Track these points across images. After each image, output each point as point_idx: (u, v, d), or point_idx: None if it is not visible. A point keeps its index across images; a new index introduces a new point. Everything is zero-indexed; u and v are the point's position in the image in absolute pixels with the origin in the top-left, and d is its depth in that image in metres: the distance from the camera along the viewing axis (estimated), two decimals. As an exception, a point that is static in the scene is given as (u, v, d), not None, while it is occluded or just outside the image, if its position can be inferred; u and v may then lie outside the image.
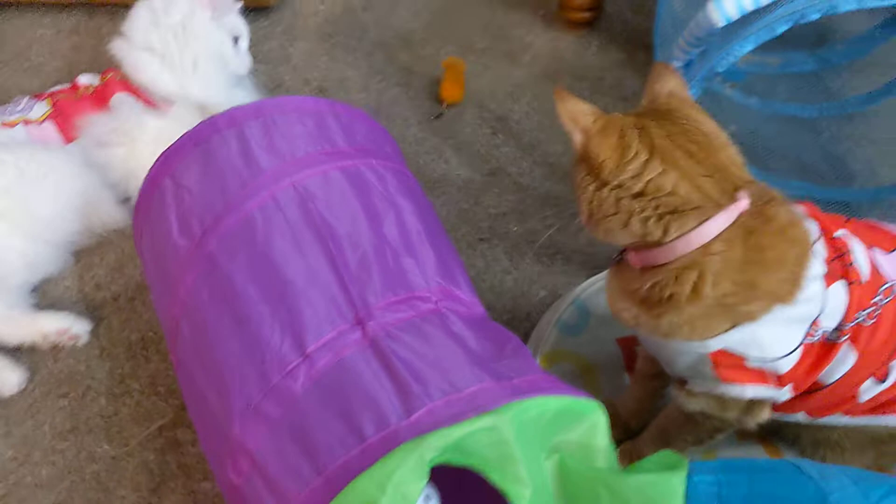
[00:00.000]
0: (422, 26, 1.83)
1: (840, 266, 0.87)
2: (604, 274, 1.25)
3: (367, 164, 1.00)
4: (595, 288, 1.25)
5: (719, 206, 0.82)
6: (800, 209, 0.89)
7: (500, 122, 1.62)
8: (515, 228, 1.43)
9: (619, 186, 0.83)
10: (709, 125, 0.86)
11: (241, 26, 1.50)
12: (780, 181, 1.47)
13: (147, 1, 1.44)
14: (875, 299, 0.88)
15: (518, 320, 1.29)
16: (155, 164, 1.03)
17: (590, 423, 0.81)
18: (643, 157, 0.82)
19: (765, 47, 1.71)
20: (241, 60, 1.50)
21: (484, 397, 0.77)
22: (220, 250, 0.92)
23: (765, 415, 0.94)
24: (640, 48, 1.75)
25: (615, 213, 0.84)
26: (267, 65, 1.72)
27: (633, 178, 0.82)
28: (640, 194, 0.83)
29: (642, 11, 1.82)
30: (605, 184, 0.84)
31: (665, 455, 0.81)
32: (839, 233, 0.90)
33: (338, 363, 0.82)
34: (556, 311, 1.24)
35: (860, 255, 0.89)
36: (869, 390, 0.92)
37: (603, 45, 1.76)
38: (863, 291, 0.87)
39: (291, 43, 1.79)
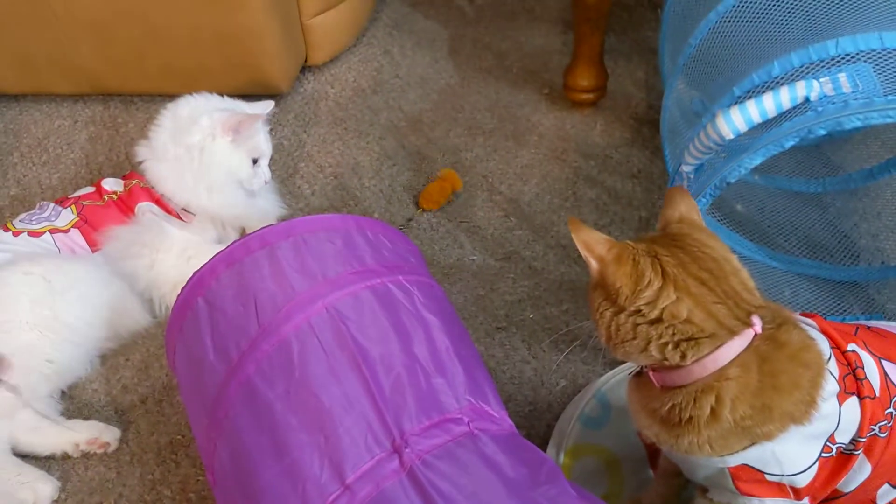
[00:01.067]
0: (431, 107, 1.88)
1: (853, 381, 0.90)
2: (625, 366, 1.28)
3: (394, 281, 1.03)
4: (616, 380, 1.28)
5: (732, 333, 0.85)
6: (811, 326, 0.93)
7: (512, 204, 1.65)
8: (532, 315, 1.45)
9: (636, 313, 0.86)
10: (719, 250, 0.90)
11: (263, 146, 1.51)
12: (791, 259, 1.51)
13: (173, 110, 1.47)
14: (888, 410, 0.91)
15: (539, 412, 1.32)
16: (188, 284, 1.07)
17: None
18: (657, 284, 0.85)
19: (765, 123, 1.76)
20: (259, 180, 1.51)
21: None
22: (259, 376, 0.95)
23: None
24: (644, 124, 1.80)
25: (633, 339, 0.87)
26: (281, 153, 1.76)
27: (648, 304, 0.85)
28: (656, 321, 0.85)
29: (645, 87, 1.87)
30: (622, 310, 0.86)
31: None
32: (850, 347, 0.93)
33: (378, 495, 0.84)
34: (577, 405, 1.26)
35: (871, 369, 0.92)
36: (886, 495, 0.94)
37: (608, 123, 1.81)
38: (875, 405, 0.90)
39: (304, 129, 1.84)
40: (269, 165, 1.58)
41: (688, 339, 0.85)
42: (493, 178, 1.71)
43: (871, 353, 0.93)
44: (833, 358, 0.90)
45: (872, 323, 1.01)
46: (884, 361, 0.93)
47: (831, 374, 0.88)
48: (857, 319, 1.37)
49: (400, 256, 1.10)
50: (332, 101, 1.90)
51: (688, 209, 0.93)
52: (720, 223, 1.53)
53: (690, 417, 0.87)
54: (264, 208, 1.57)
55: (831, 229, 1.58)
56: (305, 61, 1.94)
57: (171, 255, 1.43)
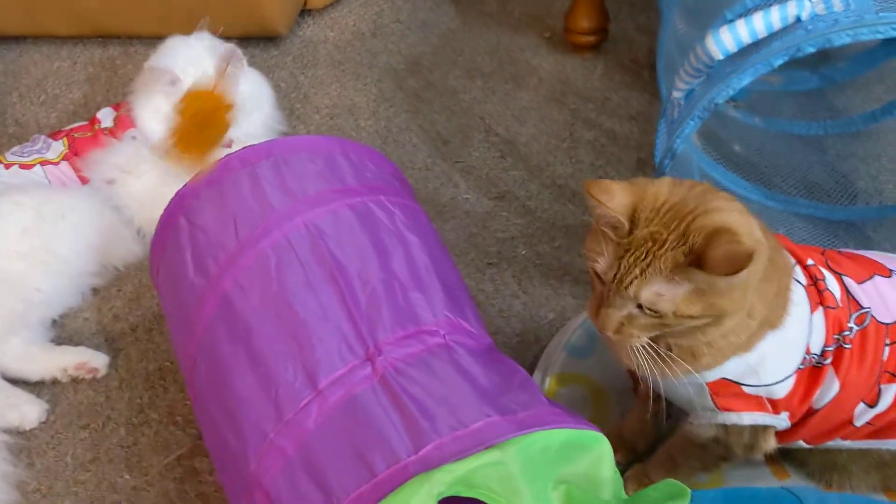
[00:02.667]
0: (430, 51, 1.86)
1: (816, 292, 0.89)
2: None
3: (375, 201, 1.03)
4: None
5: None
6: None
7: (508, 145, 1.64)
8: (524, 252, 1.45)
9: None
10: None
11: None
12: (788, 199, 1.49)
13: (162, 49, 1.46)
14: (849, 325, 0.90)
15: (527, 343, 1.31)
16: (170, 203, 1.07)
17: (595, 455, 0.83)
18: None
19: (768, 66, 1.73)
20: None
21: (490, 432, 0.79)
22: (235, 289, 0.95)
23: (769, 445, 0.96)
24: (645, 68, 1.77)
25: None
26: (278, 94, 1.75)
27: None
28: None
29: (647, 31, 1.84)
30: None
31: (669, 484, 0.83)
32: (809, 262, 0.93)
33: (349, 399, 0.84)
34: (564, 335, 1.26)
35: (832, 283, 0.92)
36: (863, 414, 0.94)
37: (609, 67, 1.78)
38: (839, 314, 0.90)
39: (302, 71, 1.83)
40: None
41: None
42: (490, 120, 1.70)
43: (831, 269, 0.93)
44: (797, 267, 0.90)
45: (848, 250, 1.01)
46: (845, 278, 0.93)
47: (798, 281, 0.88)
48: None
49: (384, 179, 1.10)
50: (330, 45, 1.89)
51: (622, 187, 0.85)
52: (717, 163, 1.52)
53: (708, 349, 0.86)
54: None
55: (830, 171, 1.55)
56: (305, 4, 1.92)
57: (146, 180, 1.43)
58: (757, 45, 1.06)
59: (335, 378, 0.86)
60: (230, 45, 1.50)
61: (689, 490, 0.82)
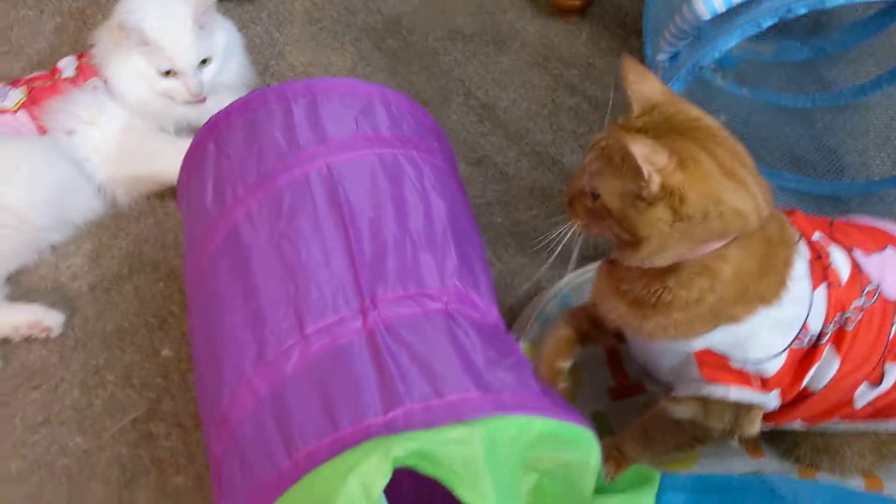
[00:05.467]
0: (410, 11, 1.80)
1: (820, 268, 0.85)
2: (586, 268, 1.24)
3: (406, 155, 0.99)
4: (579, 282, 1.23)
5: None
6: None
7: (487, 109, 1.59)
8: (500, 220, 1.40)
9: (702, 216, 0.78)
10: (723, 129, 0.84)
11: (173, 58, 1.36)
12: (773, 172, 1.45)
13: (142, 6, 1.38)
14: (858, 302, 0.86)
15: (500, 312, 1.27)
16: (203, 127, 1.05)
17: (581, 454, 0.79)
18: (731, 186, 0.78)
19: (758, 36, 1.69)
20: (178, 94, 1.39)
21: (464, 407, 0.76)
22: (245, 222, 0.93)
23: (753, 429, 0.92)
24: (632, 34, 1.72)
25: (681, 242, 0.80)
26: (252, 50, 1.68)
27: (717, 206, 0.78)
28: (716, 217, 0.78)
29: (634, -3, 1.79)
30: (681, 218, 0.78)
31: (638, 471, 0.80)
32: (816, 236, 0.89)
33: (332, 350, 0.81)
34: (537, 305, 1.22)
35: (839, 258, 0.87)
36: (864, 395, 0.90)
37: (595, 32, 1.73)
38: (841, 294, 0.86)
39: (277, 28, 1.76)
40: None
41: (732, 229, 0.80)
42: (469, 84, 1.64)
43: (839, 243, 0.89)
44: (802, 242, 0.86)
45: (852, 217, 0.97)
46: (855, 251, 0.89)
47: (803, 255, 0.84)
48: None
49: (420, 136, 1.06)
50: (307, 2, 1.82)
51: (661, 86, 0.85)
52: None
53: (671, 300, 0.83)
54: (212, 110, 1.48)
55: (817, 144, 1.52)
56: (283, -41, 1.85)
57: (107, 131, 1.37)
58: (746, 5, 1.02)
59: (323, 326, 0.83)
60: None
61: (658, 475, 0.78)
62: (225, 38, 1.45)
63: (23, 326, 1.22)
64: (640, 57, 1.65)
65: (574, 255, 0.88)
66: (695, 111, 0.84)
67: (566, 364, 1.04)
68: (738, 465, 1.03)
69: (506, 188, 1.45)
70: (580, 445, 0.79)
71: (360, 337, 0.82)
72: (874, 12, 1.59)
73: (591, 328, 1.04)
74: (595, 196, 0.82)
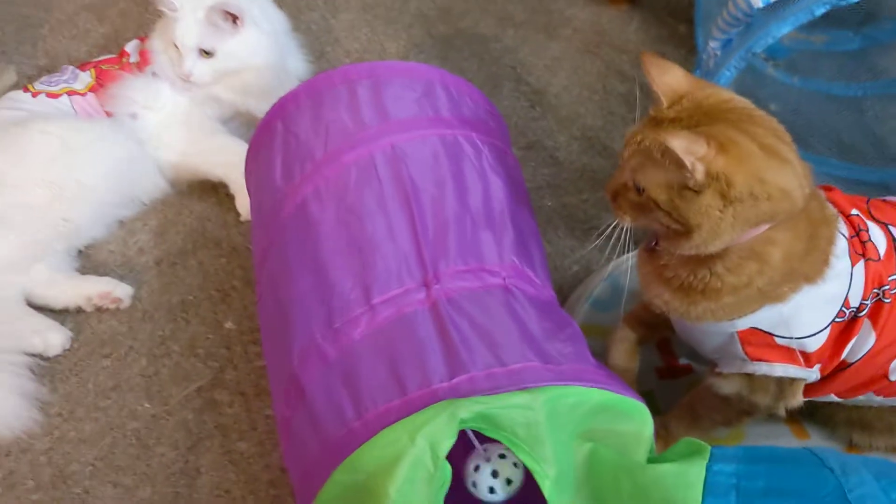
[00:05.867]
0: (462, -2, 1.83)
1: (858, 243, 0.87)
2: (635, 251, 1.26)
3: (465, 136, 1.03)
4: (629, 264, 1.25)
5: None
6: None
7: (538, 95, 1.62)
8: (550, 203, 1.43)
9: (751, 198, 0.78)
10: (759, 110, 0.85)
11: (178, 35, 1.38)
12: (820, 159, 1.46)
13: None
14: (894, 276, 0.88)
15: (551, 293, 1.30)
16: (272, 108, 1.09)
17: (635, 426, 0.82)
18: (775, 165, 0.79)
19: (810, 25, 1.68)
20: (179, 69, 1.40)
21: (526, 375, 0.79)
22: (314, 197, 0.98)
23: (796, 400, 0.94)
24: (682, 22, 1.74)
25: (734, 227, 0.80)
26: (308, 36, 1.73)
27: (764, 187, 0.78)
28: (766, 199, 0.79)
29: (686, -15, 1.80)
30: (731, 202, 0.78)
31: (689, 443, 0.82)
32: (854, 212, 0.90)
33: (398, 318, 0.86)
34: (588, 287, 1.25)
35: (876, 233, 0.89)
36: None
37: (645, 20, 1.75)
38: (879, 268, 0.88)
39: (333, 14, 1.80)
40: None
41: (781, 209, 0.80)
42: (520, 69, 1.67)
43: (876, 220, 0.90)
44: (839, 218, 0.88)
45: (889, 197, 0.98)
46: (892, 227, 0.90)
47: (841, 233, 0.86)
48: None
49: (479, 118, 1.09)
50: (363, -12, 1.86)
51: (681, 73, 0.85)
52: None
53: (720, 286, 0.85)
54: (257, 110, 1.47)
55: (867, 133, 1.52)
56: (339, -53, 1.89)
57: (164, 117, 1.43)
58: (798, -3, 1.03)
59: (389, 297, 0.87)
60: None
61: (708, 448, 0.81)
62: (243, 48, 1.41)
63: (95, 297, 1.28)
64: (690, 44, 1.66)
65: (626, 243, 0.89)
66: (725, 93, 0.84)
67: (634, 367, 1.08)
68: (785, 444, 1.06)
69: (556, 172, 1.48)
70: (635, 417, 0.82)
71: (423, 307, 0.86)
72: (929, 1, 1.58)
73: (647, 331, 1.07)
74: (640, 190, 0.82)
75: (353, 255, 0.91)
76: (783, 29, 1.00)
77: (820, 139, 1.51)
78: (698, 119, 0.80)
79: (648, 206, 0.82)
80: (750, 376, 0.92)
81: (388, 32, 1.76)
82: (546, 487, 0.75)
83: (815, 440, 1.08)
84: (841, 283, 0.86)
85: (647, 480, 0.75)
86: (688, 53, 1.66)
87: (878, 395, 0.95)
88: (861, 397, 0.97)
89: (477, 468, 0.82)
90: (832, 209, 0.89)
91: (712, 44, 1.14)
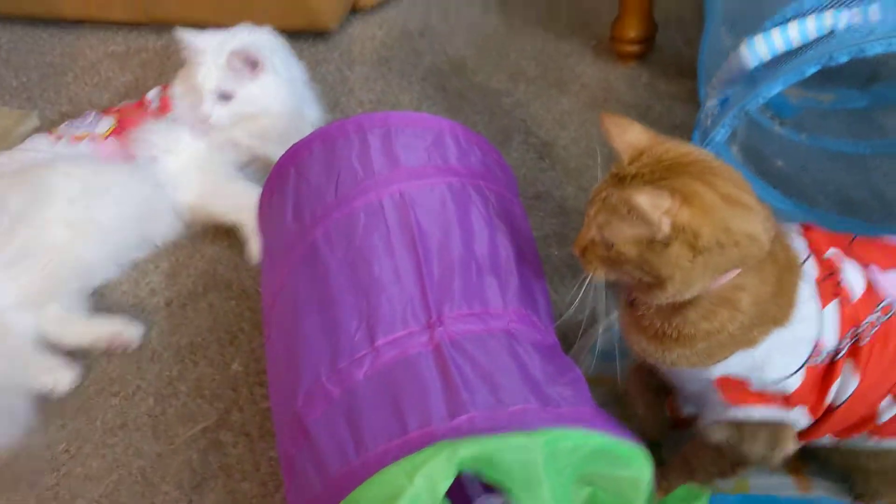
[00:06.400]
0: (475, 53, 1.88)
1: (831, 285, 0.88)
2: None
3: (473, 185, 1.06)
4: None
5: None
6: (791, 227, 0.92)
7: (547, 147, 1.65)
8: (557, 252, 1.45)
9: (717, 246, 0.80)
10: (717, 159, 0.87)
11: (199, 81, 1.44)
12: (827, 216, 1.47)
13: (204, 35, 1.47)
14: (872, 317, 0.89)
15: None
16: (284, 154, 1.13)
17: (633, 471, 0.83)
18: (741, 213, 0.81)
19: (817, 84, 1.72)
20: (198, 114, 1.45)
21: (526, 417, 0.80)
22: (323, 240, 1.00)
23: (789, 447, 0.94)
24: (690, 79, 1.75)
25: (705, 275, 0.82)
26: (324, 87, 1.78)
27: (729, 236, 0.80)
28: (733, 246, 0.81)
29: (694, 44, 1.82)
30: (700, 252, 0.79)
31: (688, 489, 0.82)
32: (830, 252, 0.91)
33: (401, 360, 0.87)
34: (591, 337, 1.26)
35: (851, 274, 0.90)
36: (888, 409, 0.92)
37: (653, 77, 1.78)
38: (854, 309, 0.88)
39: (349, 67, 1.86)
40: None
41: (749, 254, 0.82)
42: (530, 123, 1.70)
43: (855, 260, 0.91)
44: (811, 260, 0.89)
45: (882, 237, 0.99)
46: (872, 267, 0.91)
47: (809, 275, 0.88)
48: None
49: (487, 167, 1.12)
50: (378, 42, 1.92)
51: (640, 129, 0.87)
52: (757, 177, 1.50)
53: (693, 332, 0.86)
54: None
55: (873, 191, 1.53)
56: (355, 4, 1.95)
57: (184, 161, 1.47)
58: (792, 54, 1.06)
59: (393, 339, 0.88)
60: (248, 44, 1.45)
61: (707, 493, 0.81)
62: (261, 93, 1.46)
63: (105, 337, 1.30)
64: (697, 101, 1.69)
65: (602, 300, 0.90)
66: (684, 146, 0.85)
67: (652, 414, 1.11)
68: (787, 496, 1.05)
69: (563, 222, 1.50)
70: (633, 462, 0.82)
71: (427, 349, 0.87)
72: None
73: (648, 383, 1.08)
74: (609, 245, 0.83)
75: (360, 297, 0.93)
76: (774, 89, 1.02)
77: (826, 196, 1.52)
78: (660, 173, 0.82)
79: (619, 260, 0.84)
80: (737, 425, 0.92)
81: (401, 85, 1.80)
82: (544, 530, 0.75)
83: (818, 492, 1.07)
84: (809, 326, 0.87)
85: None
86: (694, 109, 1.68)
87: (873, 436, 0.95)
88: (856, 438, 0.96)
89: None
90: (796, 252, 0.89)
91: (710, 102, 1.17)
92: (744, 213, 0.81)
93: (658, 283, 0.82)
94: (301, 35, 1.85)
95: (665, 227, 0.77)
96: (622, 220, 0.81)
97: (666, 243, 0.79)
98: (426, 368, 0.85)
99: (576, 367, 0.95)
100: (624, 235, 0.82)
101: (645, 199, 0.76)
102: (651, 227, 0.78)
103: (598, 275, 0.87)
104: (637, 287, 0.87)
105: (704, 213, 0.78)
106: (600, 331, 1.26)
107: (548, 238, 1.47)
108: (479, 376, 0.84)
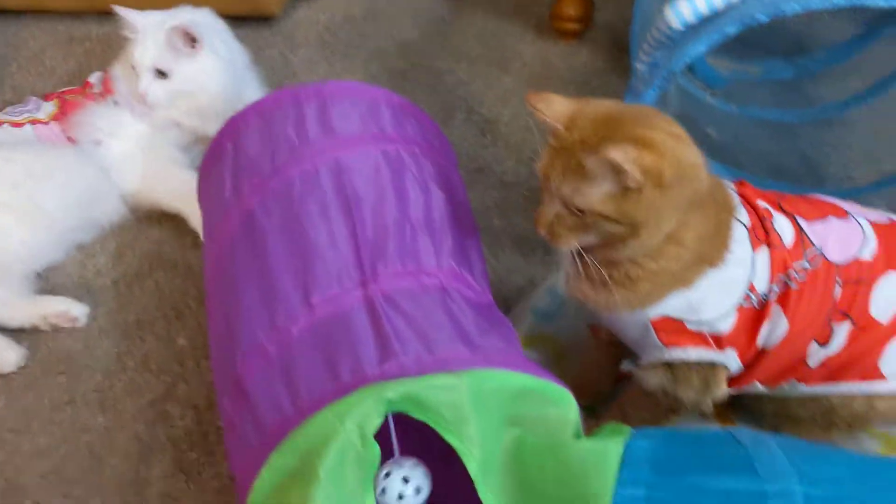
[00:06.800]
0: (420, 35, 1.91)
1: (762, 232, 0.93)
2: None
3: (409, 151, 1.08)
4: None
5: None
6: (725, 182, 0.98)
7: (489, 124, 1.68)
8: (498, 222, 1.48)
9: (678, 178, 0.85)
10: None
11: (135, 56, 1.45)
12: (755, 179, 1.52)
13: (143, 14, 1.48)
14: (800, 264, 0.94)
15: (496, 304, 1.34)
16: (221, 128, 1.15)
17: (560, 412, 0.86)
18: (701, 160, 0.87)
19: (746, 57, 1.78)
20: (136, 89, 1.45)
21: (453, 362, 0.83)
22: (260, 208, 1.02)
23: (720, 391, 0.99)
24: (626, 54, 1.80)
25: (673, 211, 0.87)
26: (268, 71, 1.79)
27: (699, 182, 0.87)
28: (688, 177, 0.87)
29: (630, 21, 1.88)
30: (667, 187, 0.84)
31: (613, 425, 0.86)
32: (760, 202, 0.96)
33: (335, 315, 0.89)
34: (531, 298, 1.30)
35: (782, 222, 0.95)
36: (815, 354, 0.97)
37: (592, 53, 1.83)
38: (784, 255, 0.93)
39: (292, 51, 1.87)
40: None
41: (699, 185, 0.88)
42: (473, 100, 1.74)
43: (783, 210, 0.96)
44: (742, 207, 0.94)
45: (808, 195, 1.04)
46: (799, 218, 0.96)
47: (740, 220, 0.92)
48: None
49: (423, 136, 1.15)
50: (321, 27, 1.94)
51: (563, 99, 0.91)
52: (692, 146, 1.55)
53: (640, 274, 0.90)
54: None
55: (802, 158, 1.59)
56: (299, -12, 1.97)
57: (127, 144, 1.48)
58: (716, 16, 1.10)
59: (328, 296, 0.91)
60: (188, 21, 1.45)
61: (629, 428, 0.85)
62: (199, 72, 1.46)
63: (51, 316, 1.30)
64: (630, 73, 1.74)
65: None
66: (604, 102, 0.90)
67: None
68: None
69: (504, 194, 1.54)
70: (559, 402, 0.86)
71: (360, 304, 0.90)
72: (857, 33, 1.68)
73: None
74: (580, 212, 0.87)
75: (296, 261, 0.96)
76: (698, 48, 1.06)
77: (757, 162, 1.58)
78: (603, 131, 0.85)
79: (592, 223, 0.87)
80: (671, 368, 0.96)
81: (345, 67, 1.82)
82: (472, 468, 0.78)
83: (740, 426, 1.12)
84: (742, 268, 0.92)
85: (568, 457, 0.79)
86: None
87: (801, 381, 1.00)
88: (786, 386, 1.01)
89: (388, 475, 0.82)
90: (732, 196, 0.95)
91: (640, 67, 1.21)
92: (686, 146, 0.87)
93: (633, 232, 0.86)
94: (245, 21, 1.86)
95: (637, 173, 0.81)
96: (591, 182, 0.84)
97: (639, 189, 0.83)
98: (359, 321, 0.88)
99: (509, 324, 0.99)
100: (597, 197, 0.85)
101: (618, 154, 0.80)
102: (627, 177, 0.82)
103: (571, 245, 0.90)
104: (607, 244, 0.89)
105: (661, 153, 0.83)
106: (540, 292, 1.30)
107: (489, 209, 1.51)
108: (410, 328, 0.87)
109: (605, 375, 1.17)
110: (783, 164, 1.58)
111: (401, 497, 0.82)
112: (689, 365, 0.96)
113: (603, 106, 0.89)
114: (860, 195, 1.45)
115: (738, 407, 1.12)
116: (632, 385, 1.06)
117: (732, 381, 1.00)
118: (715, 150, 1.58)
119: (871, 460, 0.84)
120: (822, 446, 0.87)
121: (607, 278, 0.91)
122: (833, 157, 1.59)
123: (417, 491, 0.82)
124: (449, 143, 1.23)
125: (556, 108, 0.89)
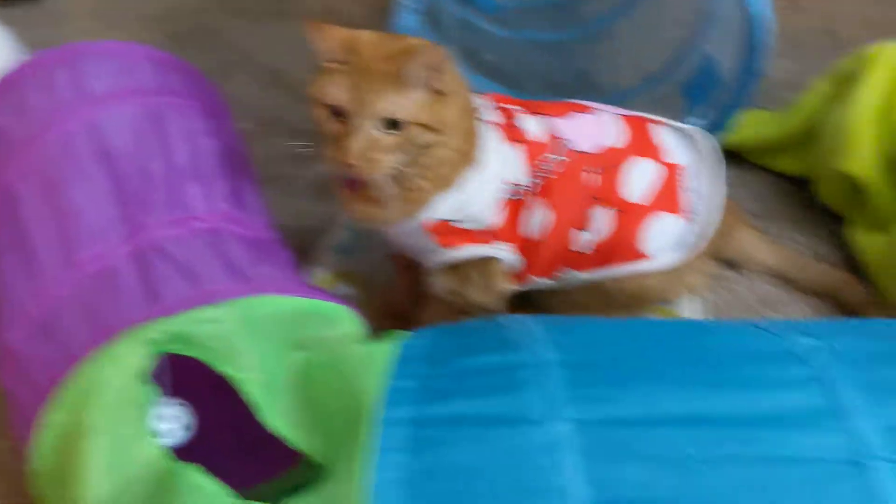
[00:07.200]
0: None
1: (509, 128, 0.99)
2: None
3: (172, 103, 1.07)
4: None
5: None
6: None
7: (274, 76, 1.67)
8: (291, 170, 1.48)
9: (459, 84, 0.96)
10: None
11: None
12: (532, 96, 1.60)
13: None
14: (553, 156, 1.01)
15: (293, 247, 1.35)
16: None
17: (343, 329, 0.89)
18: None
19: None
20: None
21: (221, 295, 0.84)
22: (17, 178, 0.99)
23: (501, 286, 1.05)
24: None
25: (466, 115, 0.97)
26: (42, 48, 1.70)
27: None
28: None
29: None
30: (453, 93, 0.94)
31: (391, 333, 0.90)
32: (508, 105, 1.03)
33: (101, 271, 0.88)
34: (329, 237, 1.32)
35: (528, 119, 1.02)
36: (580, 240, 1.04)
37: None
38: (537, 149, 1.00)
39: (58, 25, 1.80)
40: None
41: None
42: (256, 54, 1.72)
43: (529, 111, 1.03)
44: (496, 110, 1.01)
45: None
46: (545, 116, 1.03)
47: (490, 118, 0.99)
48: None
49: (188, 88, 1.13)
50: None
51: (339, 28, 0.96)
52: (474, 72, 1.61)
53: (421, 185, 0.95)
54: None
55: (577, 73, 1.68)
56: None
57: None
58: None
59: (94, 254, 0.90)
60: None
61: (405, 333, 0.89)
62: None
63: None
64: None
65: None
66: (367, 33, 0.95)
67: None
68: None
69: (298, 143, 1.53)
70: (341, 321, 0.89)
71: (128, 257, 0.90)
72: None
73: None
74: (396, 125, 0.89)
75: (59, 224, 0.94)
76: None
77: (536, 82, 1.66)
78: (394, 46, 0.91)
79: (410, 137, 0.90)
80: (455, 269, 1.02)
81: (118, 35, 1.74)
82: (254, 393, 0.80)
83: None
84: (496, 163, 0.98)
85: (343, 366, 0.82)
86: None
87: (577, 269, 1.07)
88: (566, 277, 1.08)
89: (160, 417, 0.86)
90: (475, 99, 1.01)
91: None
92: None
93: (441, 140, 0.92)
94: (15, 4, 1.77)
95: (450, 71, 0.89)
96: (409, 93, 0.88)
97: (444, 94, 0.90)
98: (127, 274, 0.88)
99: (287, 254, 1.00)
100: (416, 106, 0.89)
101: (434, 55, 0.87)
102: (442, 78, 0.89)
103: (388, 168, 0.91)
104: (417, 161, 0.93)
105: (442, 58, 0.88)
106: (338, 229, 1.32)
107: (281, 158, 1.49)
108: (178, 271, 0.87)
109: (410, 298, 1.21)
110: (561, 81, 1.66)
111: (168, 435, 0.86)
112: (468, 263, 1.01)
113: (373, 33, 0.94)
114: (626, 99, 1.56)
115: (529, 306, 1.18)
116: (425, 294, 1.10)
117: (516, 276, 1.06)
118: (496, 74, 1.64)
119: (627, 323, 0.92)
120: (584, 319, 0.94)
121: (397, 194, 0.95)
122: (604, 68, 1.69)
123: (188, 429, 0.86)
124: (218, 93, 1.21)
125: (335, 34, 0.92)
